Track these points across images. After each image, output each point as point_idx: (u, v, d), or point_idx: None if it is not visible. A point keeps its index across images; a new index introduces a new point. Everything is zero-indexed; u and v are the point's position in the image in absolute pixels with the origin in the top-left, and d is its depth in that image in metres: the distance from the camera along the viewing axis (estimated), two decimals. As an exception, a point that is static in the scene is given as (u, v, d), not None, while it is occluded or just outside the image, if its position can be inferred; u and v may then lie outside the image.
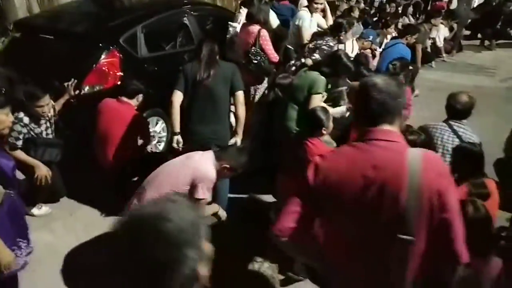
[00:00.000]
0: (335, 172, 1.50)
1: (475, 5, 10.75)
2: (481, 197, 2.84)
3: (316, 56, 4.08)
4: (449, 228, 1.42)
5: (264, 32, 4.21)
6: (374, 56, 6.25)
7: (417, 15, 9.32)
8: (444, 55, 8.41)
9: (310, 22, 4.93)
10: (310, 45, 4.17)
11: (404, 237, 1.40)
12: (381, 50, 6.35)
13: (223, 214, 3.13)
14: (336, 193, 1.48)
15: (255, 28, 4.24)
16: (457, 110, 3.38)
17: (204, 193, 2.68)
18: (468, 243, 2.13)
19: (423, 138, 2.92)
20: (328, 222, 1.58)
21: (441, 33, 8.20)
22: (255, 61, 4.03)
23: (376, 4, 10.40)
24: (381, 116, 1.50)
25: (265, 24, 4.35)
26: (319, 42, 4.15)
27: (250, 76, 4.03)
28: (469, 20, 9.42)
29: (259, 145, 3.87)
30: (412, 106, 4.59)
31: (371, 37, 5.93)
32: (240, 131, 3.33)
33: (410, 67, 5.12)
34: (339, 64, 3.47)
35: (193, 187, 2.68)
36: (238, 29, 4.91)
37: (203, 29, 4.95)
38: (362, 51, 6.06)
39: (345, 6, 9.84)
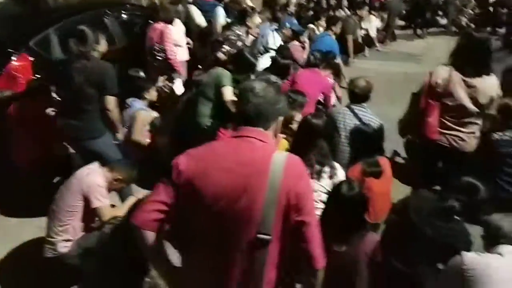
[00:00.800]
0: (201, 162, 1.49)
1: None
2: (374, 175, 3.04)
3: (227, 48, 4.20)
4: (304, 230, 1.46)
5: (167, 30, 4.30)
6: (304, 48, 6.44)
7: (353, 8, 9.63)
8: (377, 44, 8.75)
9: (224, 18, 5.06)
10: (220, 38, 4.28)
11: (262, 236, 1.42)
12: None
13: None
14: (199, 184, 1.46)
15: (159, 26, 4.33)
16: (356, 94, 3.57)
17: (99, 200, 2.74)
18: (342, 220, 2.30)
19: (325, 121, 2.97)
20: (187, 216, 1.52)
21: (373, 24, 8.54)
22: (159, 58, 4.10)
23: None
24: (255, 119, 1.53)
25: (169, 23, 4.43)
26: (227, 33, 4.26)
27: (158, 71, 4.12)
28: (403, 11, 9.82)
29: (174, 143, 3.94)
30: (331, 96, 4.79)
31: (287, 24, 6.08)
32: (117, 130, 3.39)
33: (335, 60, 5.31)
34: (242, 61, 3.62)
35: (87, 200, 2.73)
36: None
37: (124, 29, 4.96)
38: (294, 43, 6.25)
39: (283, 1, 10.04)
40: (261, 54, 5.75)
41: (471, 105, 2.96)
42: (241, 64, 3.60)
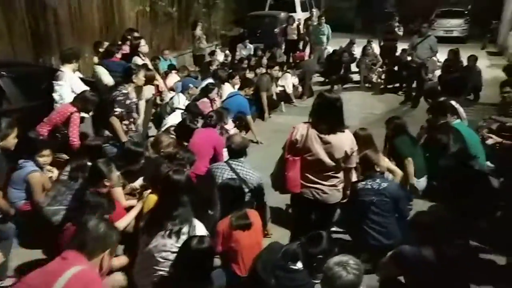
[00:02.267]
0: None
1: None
2: (242, 227, 3.13)
3: (118, 109, 4.28)
4: None
5: (76, 116, 4.43)
6: (212, 104, 6.69)
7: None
8: (294, 100, 9.23)
9: None
10: (109, 99, 4.36)
11: None
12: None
13: None
14: None
15: (71, 109, 4.47)
16: (232, 150, 3.75)
17: None
18: (187, 274, 2.34)
19: (187, 175, 3.00)
20: None
21: (289, 80, 9.04)
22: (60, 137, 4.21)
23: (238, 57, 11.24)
24: (79, 249, 2.02)
25: (83, 110, 4.58)
26: (113, 94, 4.34)
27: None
28: (318, 70, 10.55)
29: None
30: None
31: (191, 85, 6.36)
32: None
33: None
34: (130, 154, 3.80)
35: None
36: (64, 89, 5.00)
37: (21, 89, 4.95)
38: (203, 100, 6.50)
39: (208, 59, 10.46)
40: (168, 114, 5.97)
41: (328, 159, 3.18)
42: (130, 157, 3.80)
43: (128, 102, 4.50)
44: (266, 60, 10.14)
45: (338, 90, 10.36)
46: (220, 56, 11.59)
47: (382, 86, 10.46)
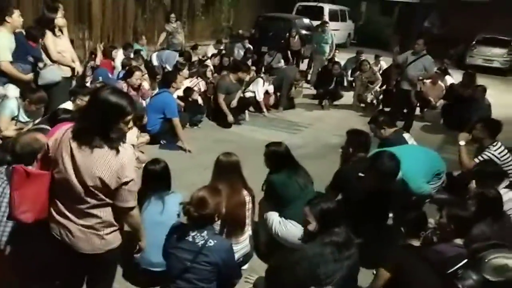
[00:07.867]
0: None
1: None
2: None
3: None
4: None
5: None
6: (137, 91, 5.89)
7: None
8: (264, 110, 8.13)
9: None
10: None
11: None
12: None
13: None
14: None
15: None
16: (14, 154, 2.78)
17: None
18: None
19: None
20: None
21: (260, 86, 7.97)
22: None
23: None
24: None
25: None
26: None
27: None
28: (298, 77, 9.31)
29: None
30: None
31: (100, 78, 5.51)
32: None
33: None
34: None
35: None
36: None
37: None
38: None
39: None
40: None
41: (77, 184, 2.13)
42: None
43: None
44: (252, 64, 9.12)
45: (326, 106, 9.17)
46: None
47: (378, 109, 9.09)
